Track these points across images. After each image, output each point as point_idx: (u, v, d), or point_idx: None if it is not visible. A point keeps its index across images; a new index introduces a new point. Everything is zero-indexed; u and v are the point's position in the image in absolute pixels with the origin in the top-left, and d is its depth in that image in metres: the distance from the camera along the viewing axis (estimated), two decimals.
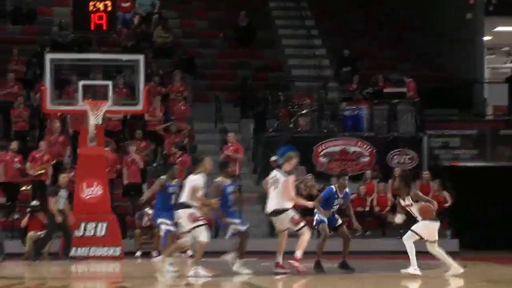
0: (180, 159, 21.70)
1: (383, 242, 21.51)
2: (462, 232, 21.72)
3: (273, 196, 14.10)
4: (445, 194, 22.01)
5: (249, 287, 12.95)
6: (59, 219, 18.18)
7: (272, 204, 14.15)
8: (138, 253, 19.91)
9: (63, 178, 18.80)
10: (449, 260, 14.22)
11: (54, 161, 21.37)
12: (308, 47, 27.41)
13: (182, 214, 13.69)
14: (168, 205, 15.50)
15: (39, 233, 19.36)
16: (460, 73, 26.58)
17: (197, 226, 13.51)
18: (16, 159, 21.27)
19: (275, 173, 14.31)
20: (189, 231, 13.66)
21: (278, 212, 14.00)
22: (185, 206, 13.72)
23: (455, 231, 21.90)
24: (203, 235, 13.67)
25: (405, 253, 14.12)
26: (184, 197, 13.84)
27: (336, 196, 14.82)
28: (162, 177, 15.96)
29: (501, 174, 23.22)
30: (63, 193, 18.58)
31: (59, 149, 21.88)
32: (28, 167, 20.96)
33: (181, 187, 14.81)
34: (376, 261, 18.44)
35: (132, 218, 20.94)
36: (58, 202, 18.37)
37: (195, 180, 13.76)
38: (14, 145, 21.48)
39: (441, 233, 21.85)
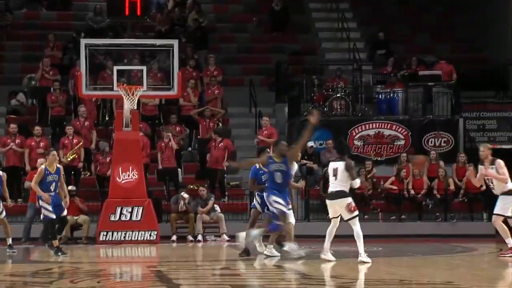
0: (221, 144, 21.66)
1: (419, 226, 21.40)
2: None
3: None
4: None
5: (284, 271, 12.87)
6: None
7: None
8: (174, 237, 19.90)
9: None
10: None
11: (81, 144, 21.20)
12: (342, 30, 27.21)
13: (341, 203, 13.45)
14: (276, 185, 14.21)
15: (75, 217, 19.41)
16: (496, 56, 26.24)
17: (354, 217, 13.49)
18: (42, 144, 21.18)
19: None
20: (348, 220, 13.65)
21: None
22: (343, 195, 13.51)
23: (491, 213, 21.63)
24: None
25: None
26: (339, 186, 13.52)
27: (261, 172, 14.53)
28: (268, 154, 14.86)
29: None
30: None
31: (85, 133, 21.84)
32: (60, 154, 20.84)
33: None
34: (414, 244, 18.28)
35: (168, 203, 20.93)
36: None
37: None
38: (37, 130, 21.34)
39: (477, 216, 21.93)
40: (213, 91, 24.04)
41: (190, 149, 23.52)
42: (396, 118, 23.48)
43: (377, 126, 23.35)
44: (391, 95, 23.86)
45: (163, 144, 21.76)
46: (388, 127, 23.33)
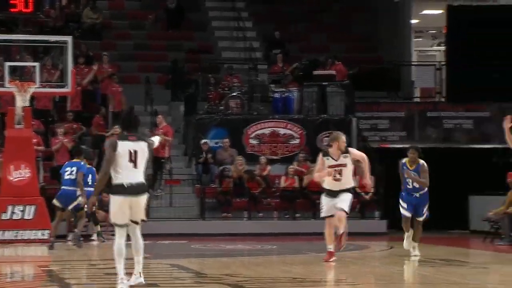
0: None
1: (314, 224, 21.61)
2: (391, 213, 21.86)
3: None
4: (372, 178, 22.12)
5: (179, 269, 12.82)
6: None
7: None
8: (70, 237, 19.55)
9: None
10: None
11: None
12: (238, 29, 27.28)
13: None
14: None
15: None
16: (389, 56, 26.73)
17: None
18: None
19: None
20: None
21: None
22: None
23: (383, 212, 22.07)
24: None
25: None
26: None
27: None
28: None
29: (428, 155, 23.35)
30: None
31: None
32: None
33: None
34: (308, 242, 18.46)
35: None
36: None
37: None
38: None
39: (370, 215, 22.29)
40: (109, 89, 23.75)
41: (84, 146, 23.17)
42: (291, 117, 23.66)
43: (273, 125, 23.50)
44: (287, 94, 24.04)
45: (57, 141, 21.41)
46: (283, 126, 23.50)
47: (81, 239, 17.02)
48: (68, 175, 16.76)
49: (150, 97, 24.47)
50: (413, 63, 27.47)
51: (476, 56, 24.33)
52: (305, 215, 21.91)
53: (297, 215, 22.05)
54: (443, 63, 26.44)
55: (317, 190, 15.42)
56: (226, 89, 23.87)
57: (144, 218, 9.76)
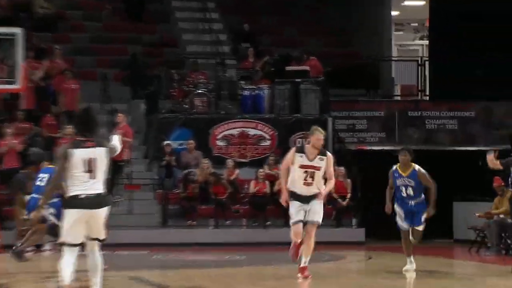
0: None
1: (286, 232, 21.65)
2: (369, 220, 21.99)
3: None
4: (348, 182, 22.26)
5: (139, 282, 12.83)
6: None
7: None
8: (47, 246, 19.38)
9: None
10: None
11: None
12: (204, 21, 27.30)
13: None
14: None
15: None
16: (367, 51, 26.86)
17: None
18: None
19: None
20: None
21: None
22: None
23: (360, 220, 22.19)
24: None
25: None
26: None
27: None
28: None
29: None
30: None
31: None
32: None
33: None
34: (279, 253, 18.51)
35: (12, 208, 20.46)
36: None
37: None
38: None
39: (346, 222, 22.38)
40: (62, 86, 23.67)
41: (35, 148, 23.06)
42: (262, 117, 23.73)
43: (241, 125, 23.54)
44: (257, 92, 24.08)
45: (6, 142, 21.32)
46: (253, 127, 23.55)
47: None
48: (39, 181, 16.54)
49: (107, 95, 24.41)
50: (393, 58, 27.64)
51: (462, 51, 24.47)
52: (276, 223, 21.90)
53: (268, 223, 22.09)
54: (425, 58, 26.63)
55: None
56: (191, 86, 23.87)
57: (104, 236, 9.20)
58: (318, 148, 12.40)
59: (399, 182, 13.78)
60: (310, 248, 12.52)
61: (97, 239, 9.20)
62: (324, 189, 12.52)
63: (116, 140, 9.61)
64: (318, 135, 12.37)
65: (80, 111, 9.73)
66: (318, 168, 12.36)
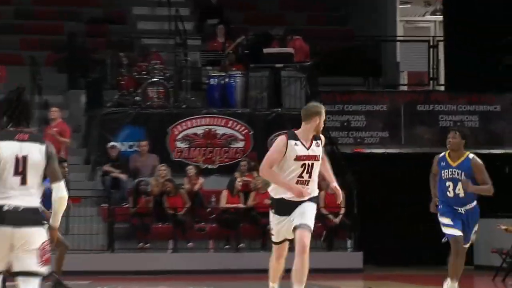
0: None
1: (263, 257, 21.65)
2: (368, 242, 21.96)
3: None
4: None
5: None
6: None
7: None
8: None
9: None
10: None
11: None
12: None
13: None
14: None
15: None
16: (364, 29, 26.91)
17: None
18: None
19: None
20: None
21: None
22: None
23: (357, 241, 22.14)
24: None
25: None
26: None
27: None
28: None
29: (418, 163, 23.55)
30: None
31: None
32: None
33: None
34: (256, 282, 18.46)
35: None
36: None
37: None
38: None
39: (339, 245, 22.37)
40: None
41: None
42: (233, 112, 23.75)
43: (208, 122, 23.54)
44: (227, 80, 24.08)
45: None
46: (222, 124, 23.56)
47: None
48: None
49: (37, 84, 24.32)
50: (398, 38, 27.69)
51: (485, 30, 24.53)
52: (252, 245, 21.95)
53: (241, 245, 22.07)
54: (439, 38, 26.69)
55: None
56: (144, 73, 23.83)
57: (41, 269, 7.98)
58: (319, 132, 11.33)
59: (444, 174, 12.82)
60: (304, 269, 11.29)
61: (29, 273, 8.00)
62: (333, 179, 11.39)
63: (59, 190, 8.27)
64: (323, 115, 11.32)
65: (11, 94, 8.57)
66: (317, 158, 11.22)
